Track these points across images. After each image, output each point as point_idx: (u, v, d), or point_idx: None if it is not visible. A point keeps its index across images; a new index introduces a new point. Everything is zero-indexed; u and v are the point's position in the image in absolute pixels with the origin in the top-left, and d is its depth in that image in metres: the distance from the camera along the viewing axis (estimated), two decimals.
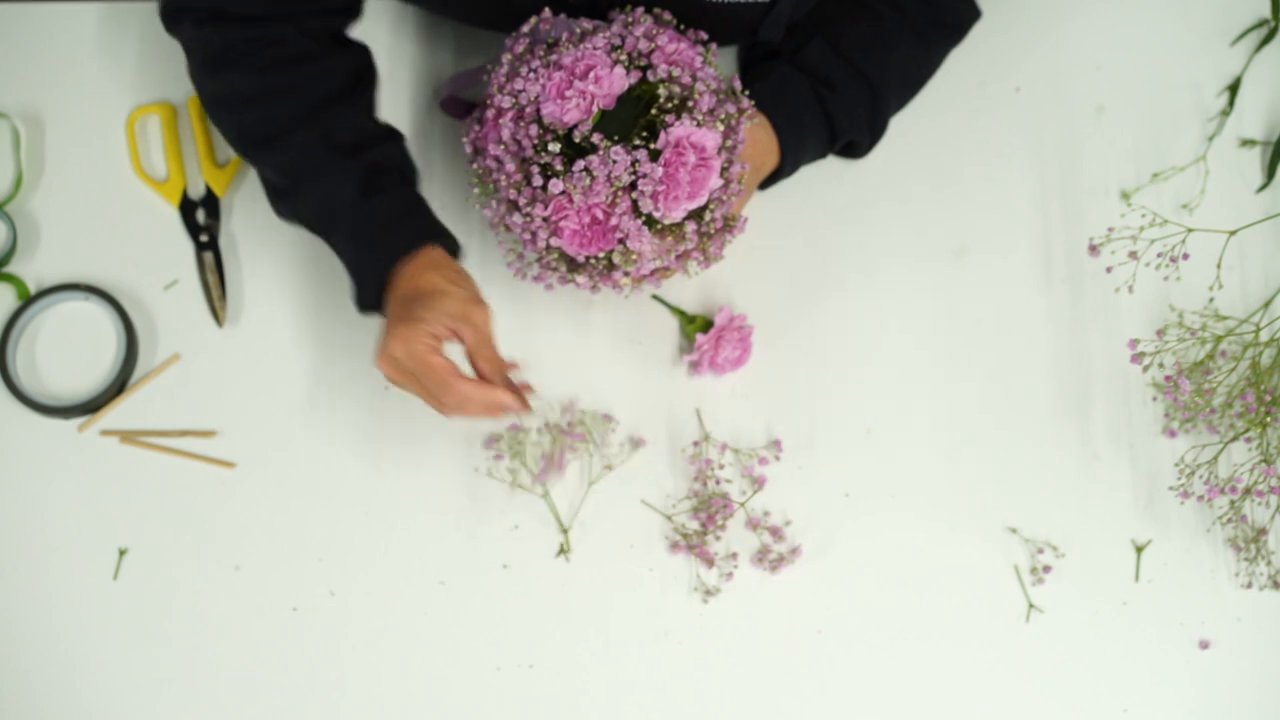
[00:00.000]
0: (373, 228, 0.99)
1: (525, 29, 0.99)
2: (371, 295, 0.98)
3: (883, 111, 1.07)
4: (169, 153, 1.14)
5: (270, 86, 0.99)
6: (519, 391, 0.95)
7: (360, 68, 1.04)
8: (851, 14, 1.07)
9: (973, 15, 1.11)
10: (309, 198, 1.00)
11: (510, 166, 0.95)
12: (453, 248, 1.00)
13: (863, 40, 1.06)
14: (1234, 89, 1.17)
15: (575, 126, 0.93)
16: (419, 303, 0.94)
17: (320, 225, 1.01)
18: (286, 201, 1.02)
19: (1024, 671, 1.04)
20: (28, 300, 1.09)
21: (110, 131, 1.14)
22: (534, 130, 0.94)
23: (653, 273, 0.99)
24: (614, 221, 0.94)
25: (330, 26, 1.03)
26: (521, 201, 0.96)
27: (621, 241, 0.95)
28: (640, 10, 0.98)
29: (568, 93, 0.93)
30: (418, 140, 1.14)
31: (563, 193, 0.93)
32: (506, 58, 0.98)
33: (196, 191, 1.14)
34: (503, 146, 0.96)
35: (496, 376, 0.95)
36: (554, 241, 0.95)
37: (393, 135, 1.03)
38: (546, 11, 0.99)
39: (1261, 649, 1.04)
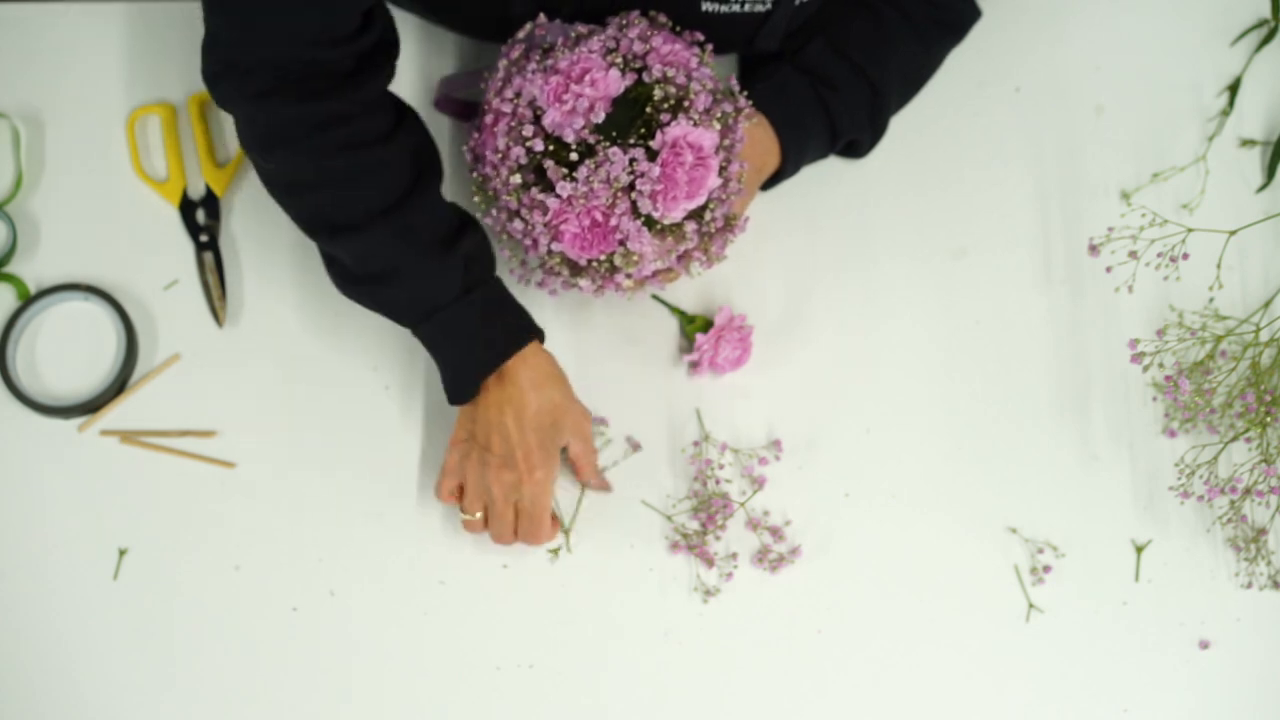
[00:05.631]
0: (475, 325, 0.97)
1: (521, 34, 0.99)
2: (472, 393, 0.98)
3: (884, 111, 1.08)
4: (169, 153, 1.14)
5: (339, 174, 0.93)
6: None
7: (422, 143, 0.98)
8: (852, 14, 1.07)
9: (973, 15, 1.11)
10: (401, 292, 0.96)
11: (507, 173, 0.95)
12: (541, 335, 1.00)
13: (863, 40, 1.06)
14: (1234, 89, 1.17)
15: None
16: (550, 430, 0.98)
17: (409, 317, 0.98)
18: (364, 287, 0.97)
19: (1024, 671, 1.04)
20: (28, 300, 1.09)
21: (110, 131, 1.14)
22: (530, 130, 0.94)
23: (655, 274, 1.00)
24: (614, 223, 0.94)
25: (379, 71, 0.95)
26: (521, 208, 0.96)
27: (622, 243, 0.95)
28: (635, 13, 0.98)
29: (564, 96, 0.93)
30: None
31: (566, 198, 0.93)
32: (503, 63, 0.98)
33: (196, 191, 1.14)
34: (499, 154, 0.96)
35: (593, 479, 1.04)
36: (555, 246, 0.95)
37: (471, 219, 1.00)
38: (542, 17, 0.99)
39: (1261, 649, 1.04)
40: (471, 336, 0.97)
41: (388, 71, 0.96)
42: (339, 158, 0.93)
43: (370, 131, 0.94)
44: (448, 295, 0.96)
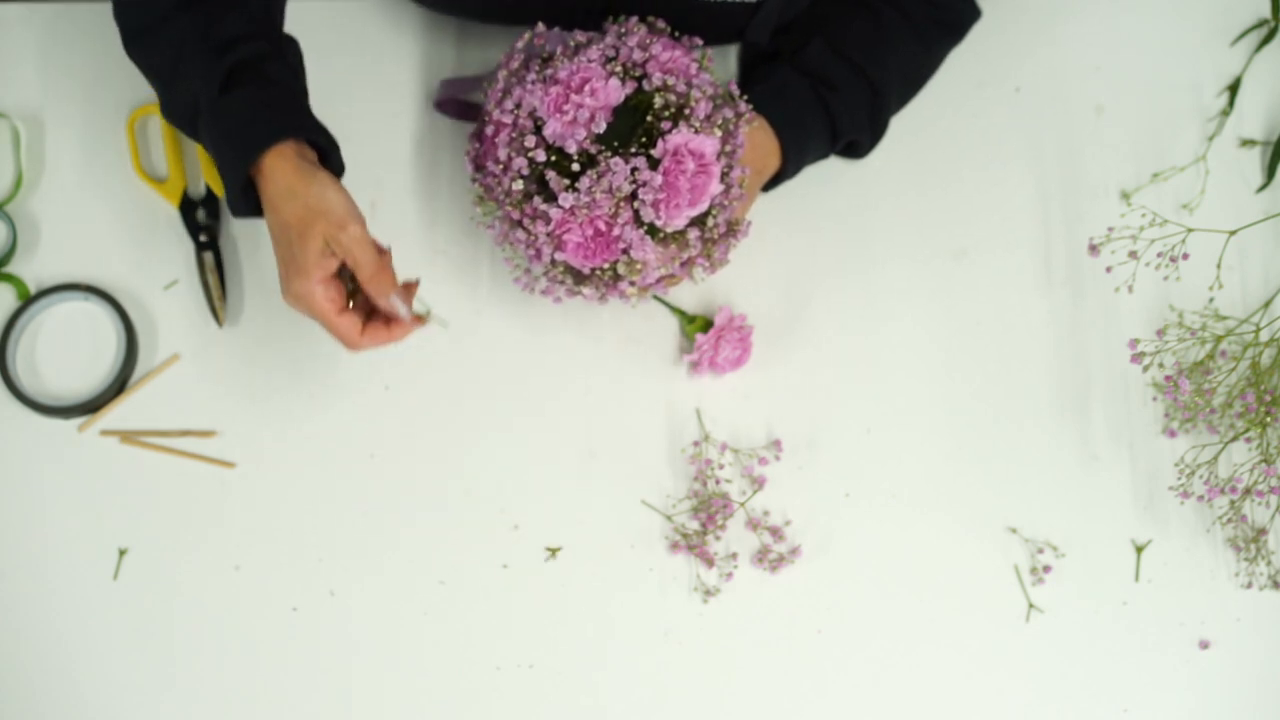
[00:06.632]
0: (227, 125, 0.92)
1: (520, 44, 0.99)
2: (238, 201, 0.93)
3: (883, 111, 1.07)
4: (169, 153, 1.14)
5: None
6: (408, 304, 0.92)
7: None
8: (851, 13, 1.07)
9: (973, 15, 1.11)
10: (177, 96, 0.95)
11: (509, 183, 0.95)
12: (321, 141, 0.94)
13: (863, 39, 1.06)
14: (1234, 89, 1.17)
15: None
16: (296, 243, 0.90)
17: (187, 127, 0.95)
18: (165, 106, 0.96)
19: (1024, 671, 1.04)
20: (28, 300, 1.09)
21: (110, 131, 1.14)
22: (532, 141, 0.94)
23: (659, 280, 0.99)
24: (616, 232, 0.94)
25: None
26: (523, 218, 0.96)
27: (625, 252, 0.95)
28: (634, 20, 0.98)
29: (565, 107, 0.93)
30: (421, 148, 1.14)
31: (569, 209, 0.93)
32: (502, 74, 0.98)
33: (196, 191, 1.14)
34: (501, 165, 0.96)
35: (391, 297, 0.91)
36: (558, 255, 0.95)
37: (272, 35, 0.96)
38: (541, 26, 0.99)
39: (1261, 649, 1.04)
40: (223, 142, 0.93)
41: None
42: None
43: None
44: (205, 95, 0.93)
